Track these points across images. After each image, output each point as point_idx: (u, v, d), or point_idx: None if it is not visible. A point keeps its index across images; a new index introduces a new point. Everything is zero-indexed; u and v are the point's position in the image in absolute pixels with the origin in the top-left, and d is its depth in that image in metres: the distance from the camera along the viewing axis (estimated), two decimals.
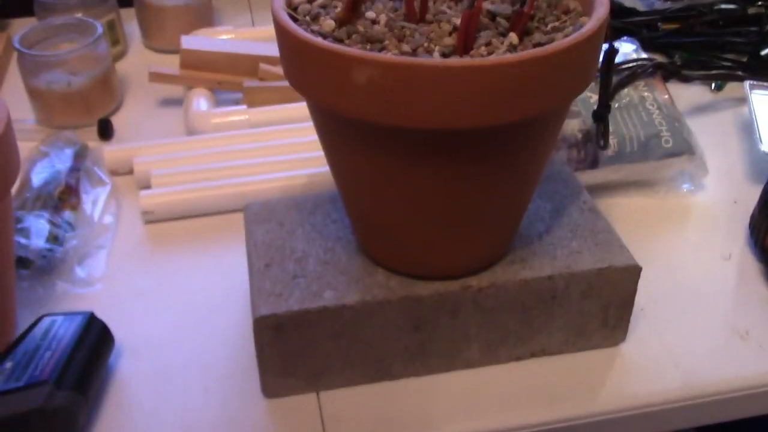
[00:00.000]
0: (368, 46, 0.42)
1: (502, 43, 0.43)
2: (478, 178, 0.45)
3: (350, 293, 0.49)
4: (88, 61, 0.76)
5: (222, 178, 0.67)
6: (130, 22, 0.95)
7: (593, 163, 0.66)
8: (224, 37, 0.87)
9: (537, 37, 0.44)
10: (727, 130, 0.76)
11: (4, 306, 0.54)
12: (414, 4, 0.44)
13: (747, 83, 0.74)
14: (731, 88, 0.81)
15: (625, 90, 0.68)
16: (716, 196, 0.68)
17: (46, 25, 0.77)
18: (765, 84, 0.74)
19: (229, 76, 0.78)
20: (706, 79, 0.75)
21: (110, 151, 0.71)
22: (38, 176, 0.67)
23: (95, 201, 0.67)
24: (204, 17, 0.91)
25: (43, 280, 0.60)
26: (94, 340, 0.52)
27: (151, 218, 0.66)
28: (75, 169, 0.69)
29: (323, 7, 0.46)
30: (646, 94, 0.68)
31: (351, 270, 0.51)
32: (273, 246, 0.53)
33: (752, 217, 0.62)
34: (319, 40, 0.40)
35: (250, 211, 0.56)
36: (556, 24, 0.45)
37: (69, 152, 0.70)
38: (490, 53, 0.41)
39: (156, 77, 0.77)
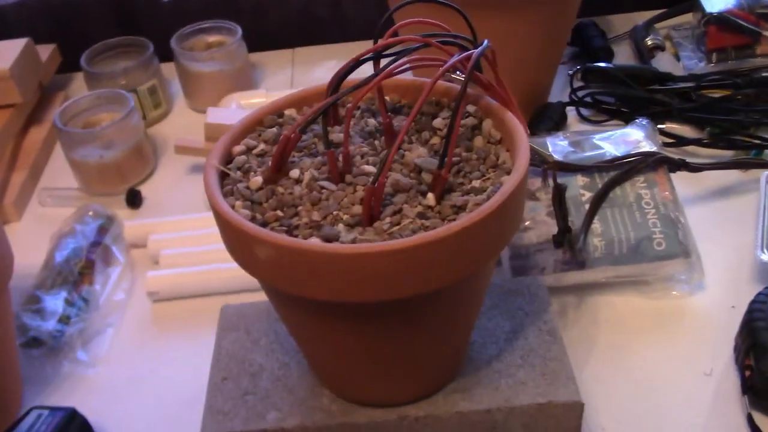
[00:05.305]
0: (282, 212, 0.44)
1: (418, 204, 0.44)
2: (394, 340, 0.47)
3: (292, 416, 0.52)
4: (121, 133, 0.81)
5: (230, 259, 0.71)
6: (175, 79, 0.99)
7: (581, 264, 0.65)
8: (256, 100, 0.90)
9: (454, 198, 0.44)
10: (741, 220, 0.72)
11: (8, 386, 0.60)
12: (336, 163, 0.46)
13: (765, 174, 0.70)
14: None
15: (620, 188, 0.67)
16: (713, 300, 0.66)
17: (83, 100, 0.83)
18: None
19: None
20: (717, 169, 0.72)
21: (130, 227, 0.76)
22: (61, 253, 0.73)
23: (108, 280, 0.72)
24: (241, 80, 0.94)
25: (52, 360, 0.66)
26: None
27: (157, 298, 0.71)
28: (96, 243, 0.74)
29: (261, 155, 0.49)
30: (643, 191, 0.67)
31: (299, 389, 0.54)
32: (234, 357, 0.56)
33: (736, 337, 0.60)
34: (228, 212, 0.43)
35: (223, 316, 0.60)
36: (476, 184, 0.45)
37: (94, 226, 0.76)
38: (396, 224, 0.43)
39: (181, 150, 0.82)
